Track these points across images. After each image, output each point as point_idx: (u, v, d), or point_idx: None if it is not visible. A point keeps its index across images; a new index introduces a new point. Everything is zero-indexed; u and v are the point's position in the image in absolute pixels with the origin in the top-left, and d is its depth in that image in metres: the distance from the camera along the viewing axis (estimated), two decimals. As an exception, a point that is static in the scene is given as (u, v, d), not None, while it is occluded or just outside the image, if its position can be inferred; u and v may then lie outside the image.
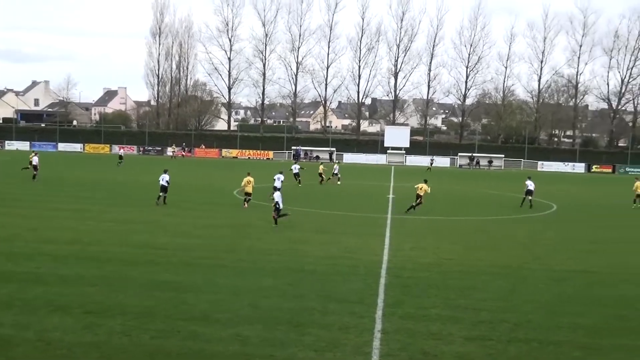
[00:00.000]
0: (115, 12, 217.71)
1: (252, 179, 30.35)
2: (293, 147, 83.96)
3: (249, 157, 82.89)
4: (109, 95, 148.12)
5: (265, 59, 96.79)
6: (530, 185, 34.28)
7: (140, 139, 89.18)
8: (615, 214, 33.80)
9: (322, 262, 17.77)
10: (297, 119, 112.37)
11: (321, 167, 46.56)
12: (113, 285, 14.37)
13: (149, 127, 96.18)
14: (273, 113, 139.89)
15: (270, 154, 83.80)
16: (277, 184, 31.74)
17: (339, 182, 45.64)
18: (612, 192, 48.62)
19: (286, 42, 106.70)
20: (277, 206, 24.06)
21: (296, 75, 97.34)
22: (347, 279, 15.86)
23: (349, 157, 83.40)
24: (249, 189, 29.94)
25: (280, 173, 33.67)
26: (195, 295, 13.86)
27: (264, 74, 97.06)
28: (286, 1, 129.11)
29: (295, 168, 44.37)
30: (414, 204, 29.71)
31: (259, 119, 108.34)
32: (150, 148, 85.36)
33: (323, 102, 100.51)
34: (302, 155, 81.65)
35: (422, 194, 29.96)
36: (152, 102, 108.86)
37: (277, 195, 24.51)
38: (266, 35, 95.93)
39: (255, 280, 15.43)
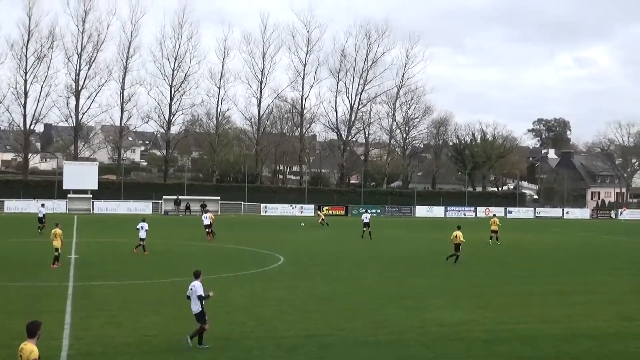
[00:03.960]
0: None
1: (60, 231, 32.44)
2: None
3: None
4: None
5: None
6: (366, 218, 53.16)
7: None
8: (343, 262, 37.38)
9: (-28, 355, 16.40)
10: None
11: None
12: None
13: None
14: None
15: None
16: (142, 234, 37.35)
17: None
18: (343, 237, 53.41)
19: None
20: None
21: None
22: (10, 376, 14.85)
23: (13, 205, 78.76)
24: (57, 243, 31.89)
25: (143, 221, 38.15)
26: None
27: None
28: None
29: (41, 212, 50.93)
30: (457, 254, 36.20)
31: None
32: None
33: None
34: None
35: (459, 242, 36.41)
36: None
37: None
38: None
39: None
